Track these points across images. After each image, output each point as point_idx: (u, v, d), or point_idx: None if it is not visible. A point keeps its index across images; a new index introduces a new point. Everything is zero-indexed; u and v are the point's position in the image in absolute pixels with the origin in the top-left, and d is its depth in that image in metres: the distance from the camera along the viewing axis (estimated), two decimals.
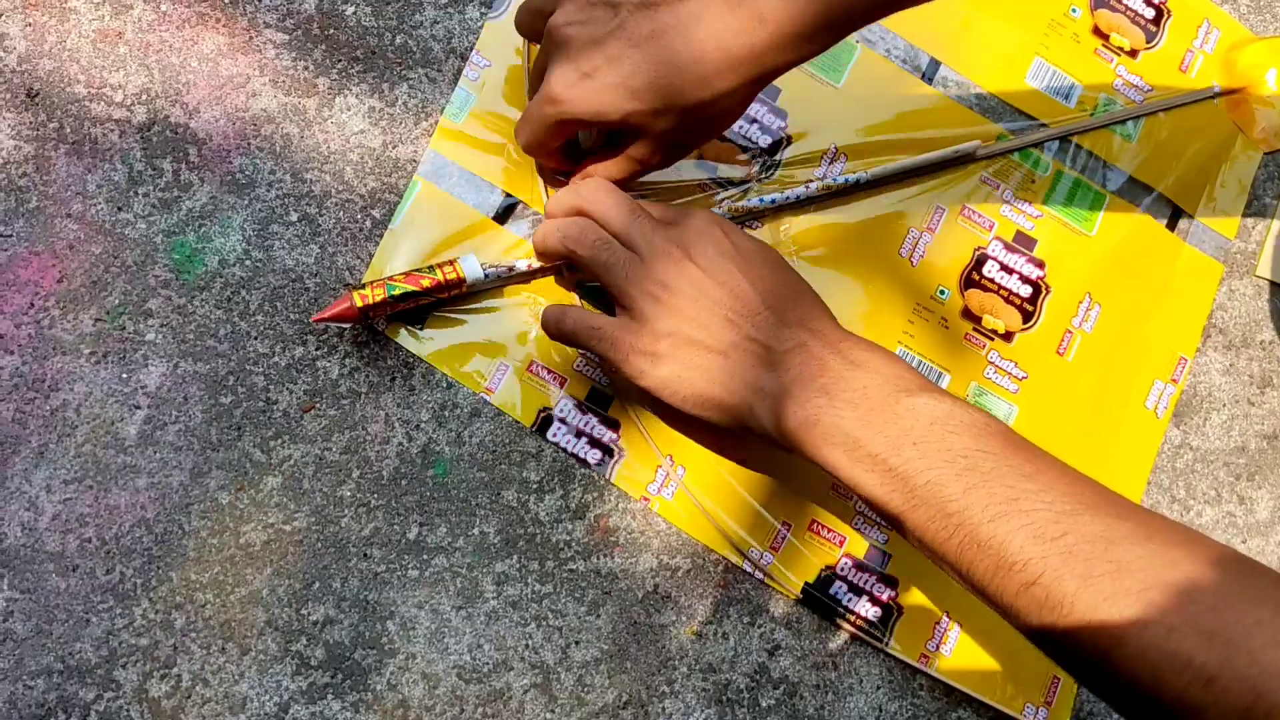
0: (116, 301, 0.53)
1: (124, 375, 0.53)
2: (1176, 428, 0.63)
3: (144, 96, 0.55)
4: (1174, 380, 0.64)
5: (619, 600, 0.56)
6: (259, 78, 0.56)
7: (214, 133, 0.55)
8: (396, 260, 0.56)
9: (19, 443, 0.52)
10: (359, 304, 0.52)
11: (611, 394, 0.57)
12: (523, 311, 0.57)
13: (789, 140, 0.62)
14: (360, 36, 0.57)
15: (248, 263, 0.55)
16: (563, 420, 0.57)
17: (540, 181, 0.58)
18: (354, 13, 0.57)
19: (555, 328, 0.53)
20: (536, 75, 0.54)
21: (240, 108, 0.56)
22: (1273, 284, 0.66)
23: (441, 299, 0.55)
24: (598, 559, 0.56)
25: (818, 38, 0.48)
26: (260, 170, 0.55)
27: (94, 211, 0.53)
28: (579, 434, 0.57)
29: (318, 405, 0.54)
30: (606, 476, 0.57)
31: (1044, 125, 0.65)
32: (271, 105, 0.56)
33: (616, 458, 0.57)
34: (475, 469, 0.55)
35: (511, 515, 0.55)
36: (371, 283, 0.53)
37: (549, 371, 0.57)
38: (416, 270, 0.54)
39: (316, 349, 0.55)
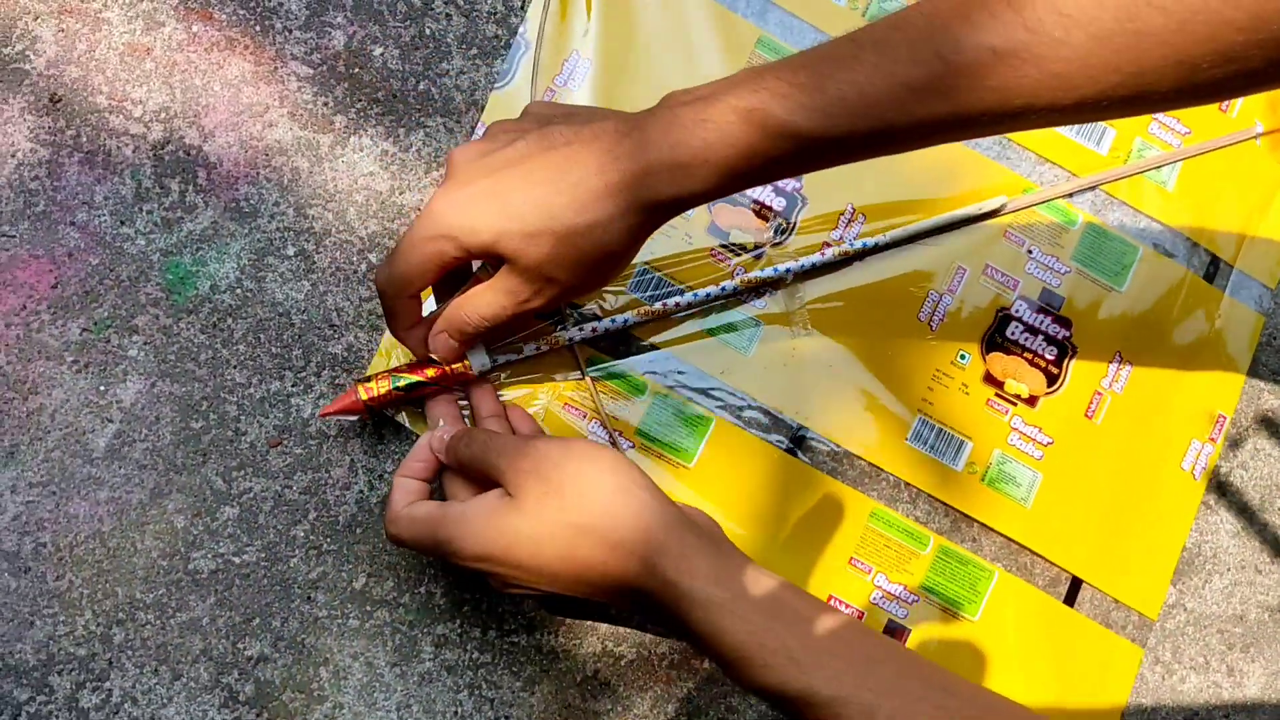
0: (105, 314, 0.54)
1: (101, 387, 0.53)
2: (1174, 586, 0.60)
3: (162, 115, 0.55)
4: (1212, 439, 0.61)
5: (556, 680, 0.55)
6: (278, 108, 0.56)
7: (225, 158, 0.56)
8: (400, 349, 0.55)
9: None
10: (364, 397, 0.52)
11: None
12: (533, 390, 0.56)
13: (804, 201, 0.59)
14: (384, 79, 0.57)
15: (239, 291, 0.55)
16: None
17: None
18: (381, 54, 0.57)
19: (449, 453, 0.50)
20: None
21: (255, 136, 0.56)
22: None
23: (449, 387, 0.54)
24: (542, 635, 0.55)
25: (700, 176, 0.42)
26: (265, 200, 0.56)
27: (97, 222, 0.54)
28: None
29: (285, 442, 0.54)
30: None
31: (1073, 175, 0.62)
32: (286, 137, 0.56)
33: None
34: None
35: (461, 579, 0.55)
36: (376, 375, 0.52)
37: None
38: (422, 362, 0.53)
39: (293, 385, 0.55)
